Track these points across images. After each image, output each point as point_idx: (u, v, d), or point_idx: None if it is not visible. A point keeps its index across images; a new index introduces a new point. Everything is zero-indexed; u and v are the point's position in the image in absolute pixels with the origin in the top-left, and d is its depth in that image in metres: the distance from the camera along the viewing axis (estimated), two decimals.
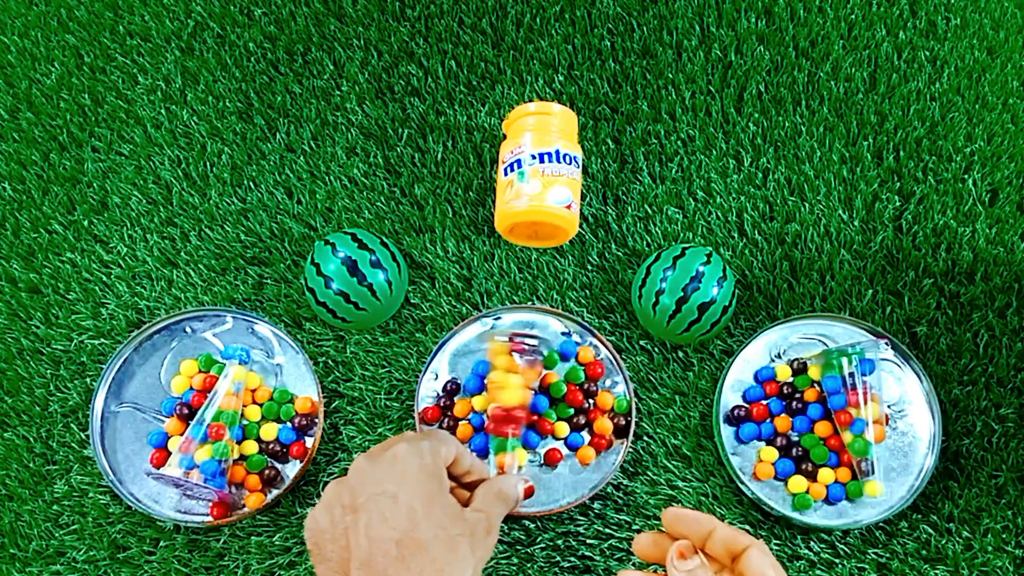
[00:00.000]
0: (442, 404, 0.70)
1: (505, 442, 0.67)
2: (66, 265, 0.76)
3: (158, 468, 0.68)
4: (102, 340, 0.73)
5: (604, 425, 0.69)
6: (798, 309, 0.74)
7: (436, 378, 0.72)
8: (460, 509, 0.52)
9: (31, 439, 0.71)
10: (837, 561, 0.68)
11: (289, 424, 0.70)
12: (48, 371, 0.73)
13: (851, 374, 0.68)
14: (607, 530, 0.69)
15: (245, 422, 0.69)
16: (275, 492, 0.68)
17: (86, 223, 0.77)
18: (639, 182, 0.78)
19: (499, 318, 0.73)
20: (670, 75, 0.81)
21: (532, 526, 0.69)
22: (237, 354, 0.68)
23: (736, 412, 0.70)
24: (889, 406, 0.71)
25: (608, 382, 0.72)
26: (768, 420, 0.70)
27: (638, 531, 0.68)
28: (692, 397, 0.72)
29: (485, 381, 0.70)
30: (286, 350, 0.72)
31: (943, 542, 0.68)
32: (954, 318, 0.74)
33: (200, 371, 0.71)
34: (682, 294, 0.68)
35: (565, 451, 0.70)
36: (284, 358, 0.72)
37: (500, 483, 0.56)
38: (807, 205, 0.77)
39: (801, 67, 0.81)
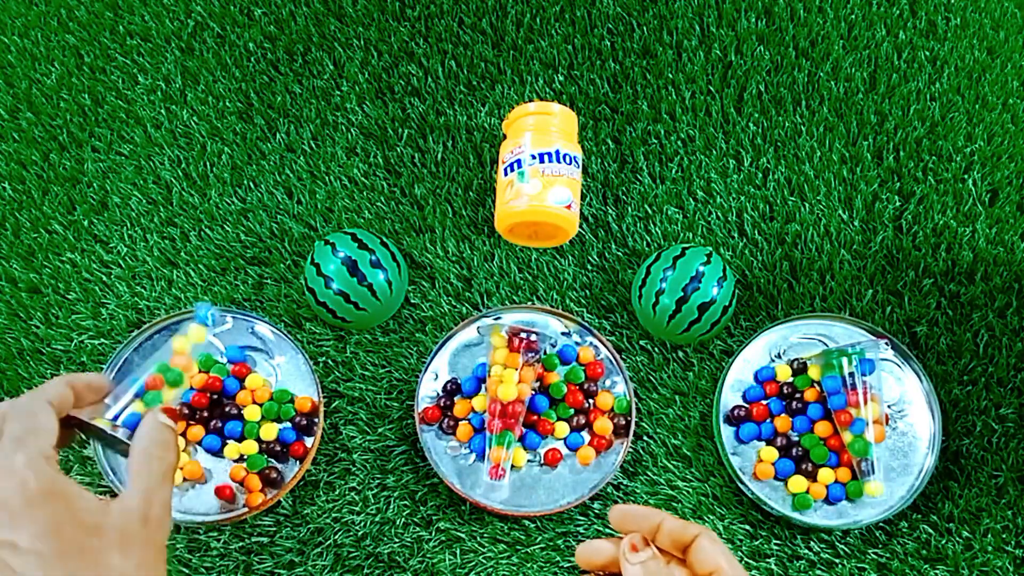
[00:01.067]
0: (442, 404, 0.70)
1: (503, 436, 0.67)
2: (66, 265, 0.76)
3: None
4: (102, 340, 0.73)
5: (604, 425, 0.69)
6: (798, 309, 0.74)
7: (436, 378, 0.72)
8: (99, 509, 0.43)
9: None
10: (837, 561, 0.68)
11: (289, 424, 0.70)
12: (48, 371, 0.73)
13: (851, 374, 0.68)
14: (607, 530, 0.69)
15: (244, 423, 0.69)
16: (275, 492, 0.68)
17: (86, 223, 0.77)
18: (639, 182, 0.78)
19: (499, 318, 0.73)
20: (670, 75, 0.81)
21: (532, 526, 0.69)
22: (205, 314, 0.62)
23: (736, 412, 0.70)
24: (889, 406, 0.71)
25: (608, 382, 0.72)
26: (768, 420, 0.70)
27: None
28: (692, 397, 0.72)
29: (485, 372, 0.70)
30: (286, 350, 0.72)
31: (943, 542, 0.68)
32: (954, 318, 0.74)
33: (200, 371, 0.71)
34: (682, 294, 0.68)
35: (565, 451, 0.70)
36: (284, 358, 0.72)
37: (140, 439, 0.47)
38: (807, 205, 0.77)
39: (801, 67, 0.81)
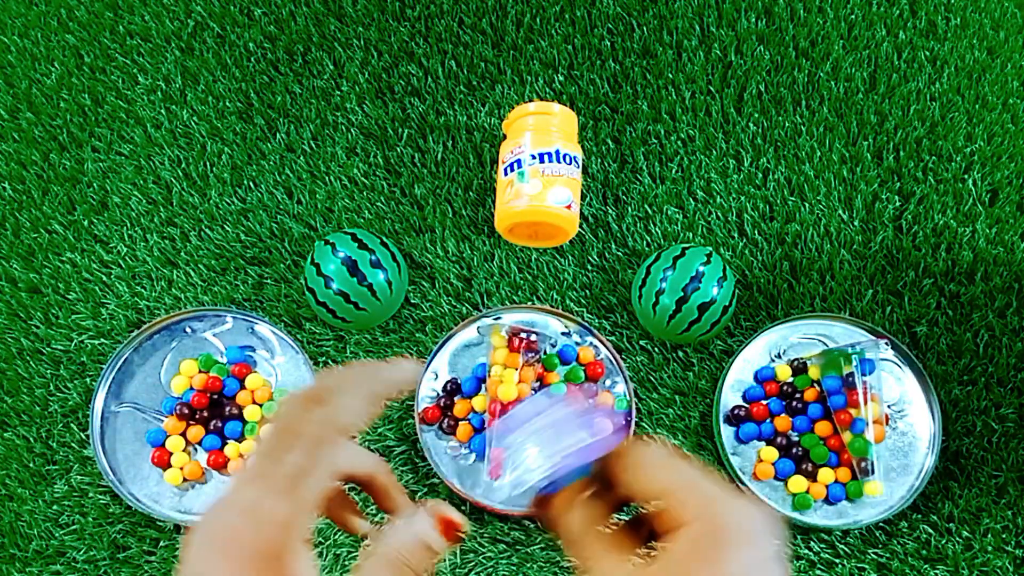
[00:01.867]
0: (442, 404, 0.70)
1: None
2: (66, 265, 0.76)
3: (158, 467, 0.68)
4: (102, 340, 0.73)
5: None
6: (798, 309, 0.74)
7: (436, 378, 0.72)
8: None
9: (31, 439, 0.71)
10: (837, 561, 0.68)
11: None
12: (48, 371, 0.73)
13: (851, 374, 0.68)
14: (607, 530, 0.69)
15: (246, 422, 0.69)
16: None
17: (86, 223, 0.77)
18: (639, 182, 0.78)
19: (499, 318, 0.73)
20: (670, 75, 0.81)
21: (532, 526, 0.69)
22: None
23: (736, 412, 0.70)
24: (889, 406, 0.71)
25: (608, 382, 0.72)
26: (768, 420, 0.70)
27: None
28: (692, 397, 0.72)
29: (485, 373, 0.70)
30: (286, 350, 0.72)
31: (943, 542, 0.68)
32: (954, 318, 0.74)
33: (200, 371, 0.71)
34: (682, 294, 0.68)
35: None
36: (284, 358, 0.72)
37: (394, 540, 0.35)
38: (807, 205, 0.77)
39: (801, 67, 0.81)
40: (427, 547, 0.35)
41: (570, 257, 0.76)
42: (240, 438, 0.69)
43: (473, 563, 0.68)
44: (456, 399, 0.70)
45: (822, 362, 0.70)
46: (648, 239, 0.76)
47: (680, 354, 0.73)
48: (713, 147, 0.79)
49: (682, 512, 0.32)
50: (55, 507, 0.69)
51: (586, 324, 0.73)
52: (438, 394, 0.71)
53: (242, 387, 0.70)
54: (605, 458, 0.35)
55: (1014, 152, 0.79)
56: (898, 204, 0.77)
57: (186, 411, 0.69)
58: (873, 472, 0.67)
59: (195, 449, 0.70)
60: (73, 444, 0.71)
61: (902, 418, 0.71)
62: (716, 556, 0.30)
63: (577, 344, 0.73)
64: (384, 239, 0.72)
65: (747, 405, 0.71)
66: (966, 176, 0.78)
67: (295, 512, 0.31)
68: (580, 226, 0.76)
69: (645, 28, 0.83)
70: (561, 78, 0.81)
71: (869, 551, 0.68)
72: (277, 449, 0.32)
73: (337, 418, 0.34)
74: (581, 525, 0.36)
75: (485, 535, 0.68)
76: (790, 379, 0.71)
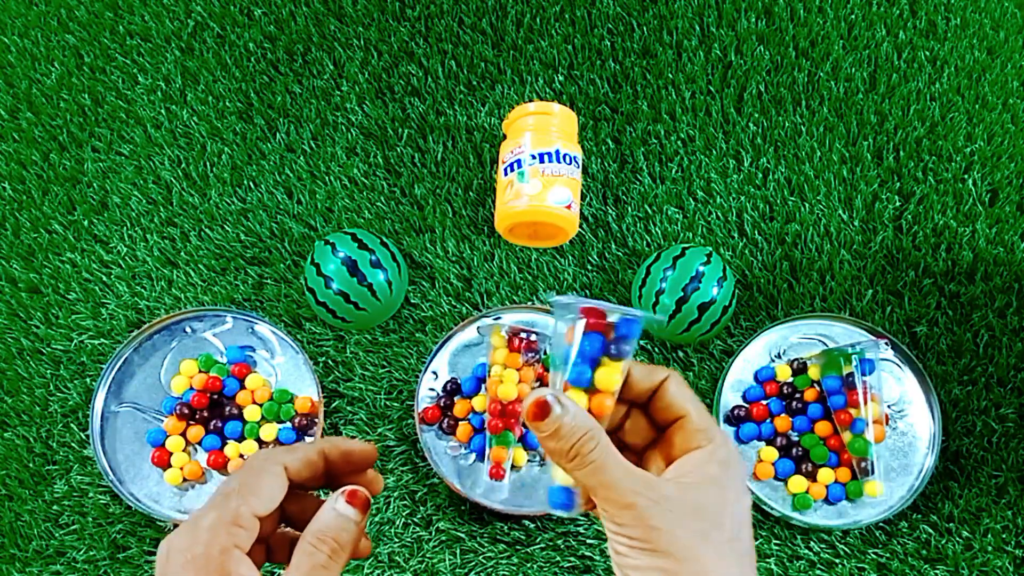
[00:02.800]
0: (442, 404, 0.70)
1: (503, 436, 0.67)
2: (66, 265, 0.76)
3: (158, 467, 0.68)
4: (102, 340, 0.73)
5: None
6: (798, 309, 0.74)
7: (436, 378, 0.72)
8: None
9: (31, 439, 0.71)
10: (837, 561, 0.68)
11: (289, 424, 0.70)
12: (48, 371, 0.73)
13: (851, 374, 0.68)
14: None
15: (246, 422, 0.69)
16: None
17: (86, 223, 0.77)
18: (639, 182, 0.78)
19: (499, 318, 0.73)
20: (670, 75, 0.81)
21: (532, 526, 0.69)
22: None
23: (736, 412, 0.70)
24: (889, 406, 0.71)
25: None
26: (768, 420, 0.70)
27: None
28: None
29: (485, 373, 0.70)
30: (286, 350, 0.72)
31: (943, 542, 0.68)
32: (954, 318, 0.74)
33: (200, 371, 0.71)
34: (682, 294, 0.68)
35: None
36: (284, 358, 0.72)
37: (315, 520, 0.40)
38: (807, 205, 0.77)
39: (801, 67, 0.81)
40: (347, 519, 0.40)
41: (570, 257, 0.76)
42: (240, 438, 0.69)
43: (473, 563, 0.68)
44: (456, 399, 0.70)
45: (822, 362, 0.70)
46: (648, 239, 0.76)
47: (680, 354, 0.73)
48: (713, 147, 0.79)
49: (707, 434, 0.40)
50: (55, 507, 0.69)
51: None
52: (438, 394, 0.71)
53: (242, 387, 0.70)
54: (643, 373, 0.42)
55: (1014, 152, 0.79)
56: (898, 204, 0.77)
57: (186, 411, 0.69)
58: (873, 472, 0.67)
59: (195, 449, 0.70)
60: (73, 444, 0.71)
61: (902, 418, 0.71)
62: (734, 472, 0.39)
63: None
64: (384, 239, 0.72)
65: (747, 405, 0.71)
66: (966, 176, 0.78)
67: (222, 520, 0.38)
68: (580, 226, 0.76)
69: (645, 28, 0.83)
70: (561, 78, 0.81)
71: (869, 551, 0.68)
72: (221, 484, 0.40)
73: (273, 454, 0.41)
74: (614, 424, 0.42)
75: (485, 535, 0.68)
76: (790, 379, 0.71)
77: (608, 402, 0.40)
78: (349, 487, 0.41)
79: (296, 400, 0.70)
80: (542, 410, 0.38)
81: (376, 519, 0.69)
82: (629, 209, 0.77)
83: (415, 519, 0.69)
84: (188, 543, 0.37)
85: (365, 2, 0.84)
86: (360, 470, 0.44)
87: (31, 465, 0.70)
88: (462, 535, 0.68)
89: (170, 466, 0.69)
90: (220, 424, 0.69)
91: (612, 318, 0.41)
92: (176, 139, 0.80)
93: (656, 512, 0.37)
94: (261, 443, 0.69)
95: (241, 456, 0.69)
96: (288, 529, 0.43)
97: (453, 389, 0.71)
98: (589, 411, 0.40)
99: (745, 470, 0.40)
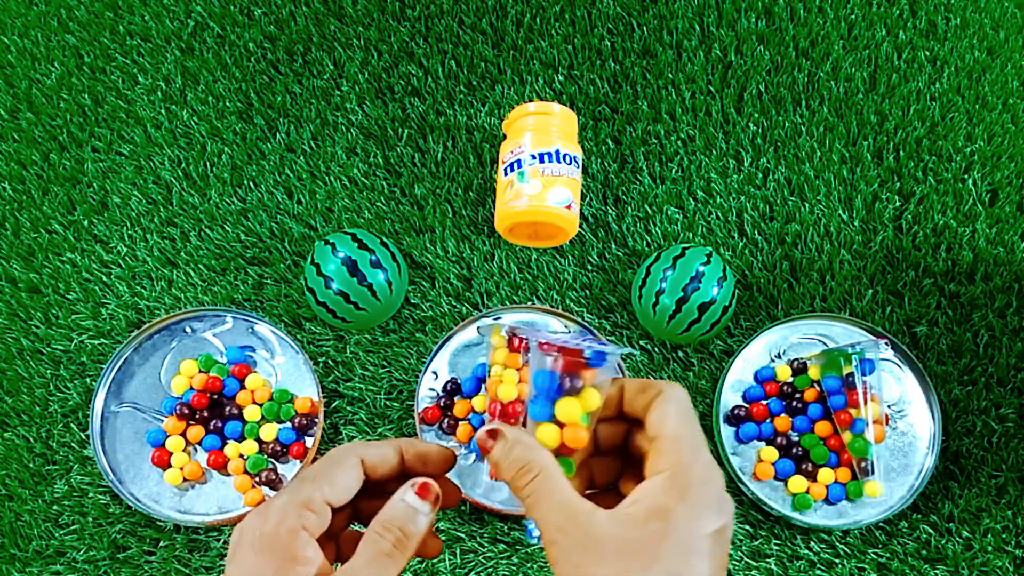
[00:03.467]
0: (442, 404, 0.70)
1: None
2: (66, 265, 0.76)
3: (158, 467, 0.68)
4: (102, 340, 0.73)
5: None
6: (798, 309, 0.74)
7: (436, 378, 0.72)
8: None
9: (31, 439, 0.71)
10: (837, 561, 0.68)
11: (289, 424, 0.70)
12: (48, 371, 0.73)
13: (851, 374, 0.68)
14: None
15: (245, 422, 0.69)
16: (274, 492, 0.68)
17: (86, 223, 0.77)
18: (639, 182, 0.78)
19: (499, 318, 0.73)
20: (670, 75, 0.81)
21: (532, 526, 0.69)
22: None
23: (736, 412, 0.70)
24: (889, 406, 0.71)
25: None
26: (768, 420, 0.70)
27: None
28: (692, 397, 0.72)
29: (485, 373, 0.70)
30: (286, 350, 0.72)
31: (943, 542, 0.68)
32: (954, 318, 0.74)
33: (200, 371, 0.71)
34: (682, 294, 0.68)
35: None
36: (284, 358, 0.72)
37: (385, 510, 0.40)
38: (807, 205, 0.77)
39: (801, 67, 0.81)
40: (415, 511, 0.40)
41: (570, 257, 0.76)
42: (240, 438, 0.69)
43: (473, 563, 0.68)
44: (456, 399, 0.70)
45: (822, 362, 0.70)
46: (648, 239, 0.76)
47: (680, 354, 0.73)
48: (713, 147, 0.79)
49: (673, 458, 0.37)
50: (55, 507, 0.69)
51: (586, 324, 0.73)
52: (438, 394, 0.71)
53: (242, 387, 0.70)
54: (636, 390, 0.40)
55: (1014, 152, 0.79)
56: (898, 204, 0.77)
57: (186, 411, 0.69)
58: (873, 472, 0.67)
59: (195, 449, 0.70)
60: (73, 444, 0.71)
61: (902, 418, 0.71)
62: (695, 500, 0.36)
63: None
64: (384, 239, 0.72)
65: (747, 405, 0.71)
66: (966, 176, 0.78)
67: (293, 502, 0.38)
68: (580, 226, 0.76)
69: (645, 28, 0.83)
70: (561, 78, 0.81)
71: (869, 551, 0.68)
72: (298, 471, 0.39)
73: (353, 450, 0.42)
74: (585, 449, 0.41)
75: (485, 535, 0.68)
76: (790, 379, 0.71)
77: (582, 433, 0.40)
78: (421, 479, 0.41)
79: (296, 400, 0.70)
80: (484, 444, 0.39)
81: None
82: (629, 209, 0.77)
83: None
84: (258, 523, 0.38)
85: (365, 2, 0.84)
86: (437, 473, 0.43)
87: (31, 465, 0.70)
88: (462, 535, 0.68)
89: (170, 466, 0.69)
90: (220, 424, 0.69)
91: (586, 352, 0.40)
92: (176, 139, 0.80)
93: (575, 552, 0.35)
94: (261, 443, 0.69)
95: (241, 456, 0.69)
96: (359, 528, 0.43)
97: (453, 389, 0.71)
98: (563, 444, 0.40)
99: (716, 495, 0.36)
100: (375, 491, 0.42)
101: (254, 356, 0.72)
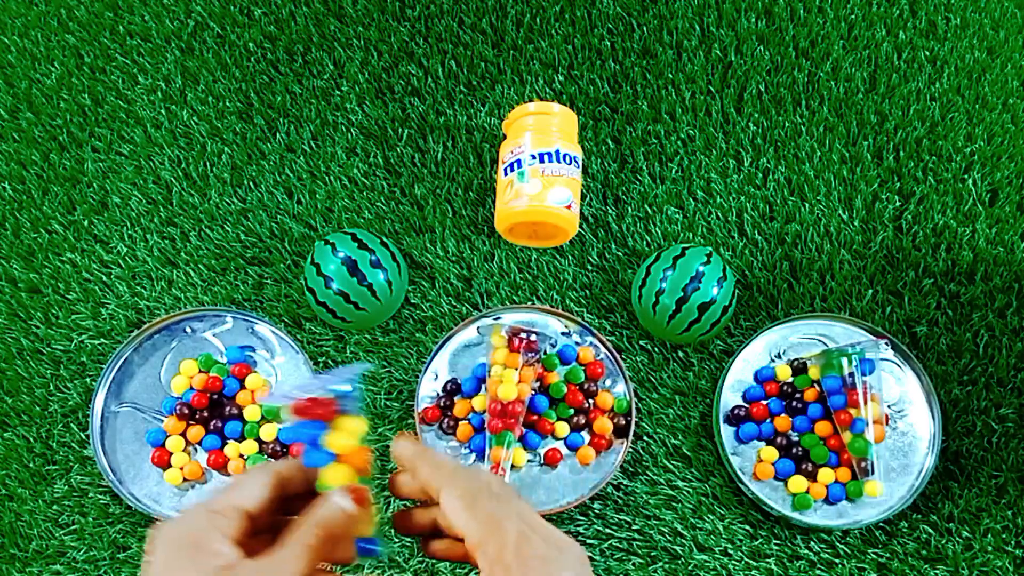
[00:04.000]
0: (442, 404, 0.70)
1: (503, 437, 0.67)
2: (66, 265, 0.76)
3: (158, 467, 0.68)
4: (102, 340, 0.73)
5: (604, 425, 0.69)
6: (798, 309, 0.74)
7: (436, 378, 0.72)
8: (231, 561, 0.40)
9: (31, 439, 0.71)
10: (837, 561, 0.68)
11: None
12: (48, 371, 0.73)
13: (851, 374, 0.68)
14: (607, 530, 0.69)
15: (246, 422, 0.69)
16: None
17: (86, 223, 0.77)
18: (639, 182, 0.78)
19: (499, 318, 0.73)
20: (670, 75, 0.81)
21: None
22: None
23: (736, 412, 0.70)
24: (889, 406, 0.71)
25: (608, 382, 0.72)
26: (768, 420, 0.70)
27: (638, 531, 0.68)
28: (692, 397, 0.72)
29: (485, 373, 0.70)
30: (286, 350, 0.72)
31: (943, 542, 0.68)
32: (954, 318, 0.74)
33: (200, 371, 0.71)
34: (682, 294, 0.68)
35: (565, 451, 0.70)
36: (284, 358, 0.72)
37: (315, 510, 0.43)
38: (807, 205, 0.77)
39: (801, 67, 0.81)
40: (339, 509, 0.43)
41: (570, 257, 0.76)
42: (240, 438, 0.69)
43: None
44: (456, 399, 0.70)
45: (822, 362, 0.70)
46: (648, 239, 0.76)
47: (680, 354, 0.73)
48: (713, 147, 0.79)
49: (478, 556, 0.39)
50: (55, 507, 0.69)
51: (586, 324, 0.73)
52: (438, 394, 0.71)
53: (242, 387, 0.70)
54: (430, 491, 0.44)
55: (1014, 152, 0.79)
56: (898, 204, 0.77)
57: (186, 411, 0.69)
58: (873, 472, 0.67)
59: (195, 449, 0.70)
60: (73, 444, 0.71)
61: (902, 418, 0.71)
62: None
63: (577, 344, 0.73)
64: (384, 239, 0.72)
65: (747, 405, 0.71)
66: (966, 176, 0.78)
67: (203, 508, 0.41)
68: (580, 226, 0.76)
69: (645, 28, 0.83)
70: (561, 78, 0.81)
71: (869, 551, 0.68)
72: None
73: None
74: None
75: None
76: (790, 379, 0.71)
77: (366, 454, 0.44)
78: (359, 486, 0.44)
79: None
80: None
81: (376, 519, 0.69)
82: (629, 209, 0.77)
83: None
84: (171, 526, 0.41)
85: (365, 2, 0.84)
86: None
87: (31, 465, 0.70)
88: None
89: (170, 466, 0.69)
90: (220, 424, 0.69)
91: (327, 392, 0.43)
92: (176, 139, 0.80)
93: None
94: (261, 443, 0.69)
95: (241, 456, 0.69)
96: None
97: (453, 389, 0.71)
98: (358, 469, 0.43)
99: (542, 568, 0.38)
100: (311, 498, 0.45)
101: (254, 356, 0.72)
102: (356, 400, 0.44)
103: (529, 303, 0.74)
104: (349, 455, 0.44)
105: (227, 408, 0.70)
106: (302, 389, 0.44)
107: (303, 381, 0.44)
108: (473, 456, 0.69)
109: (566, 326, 0.73)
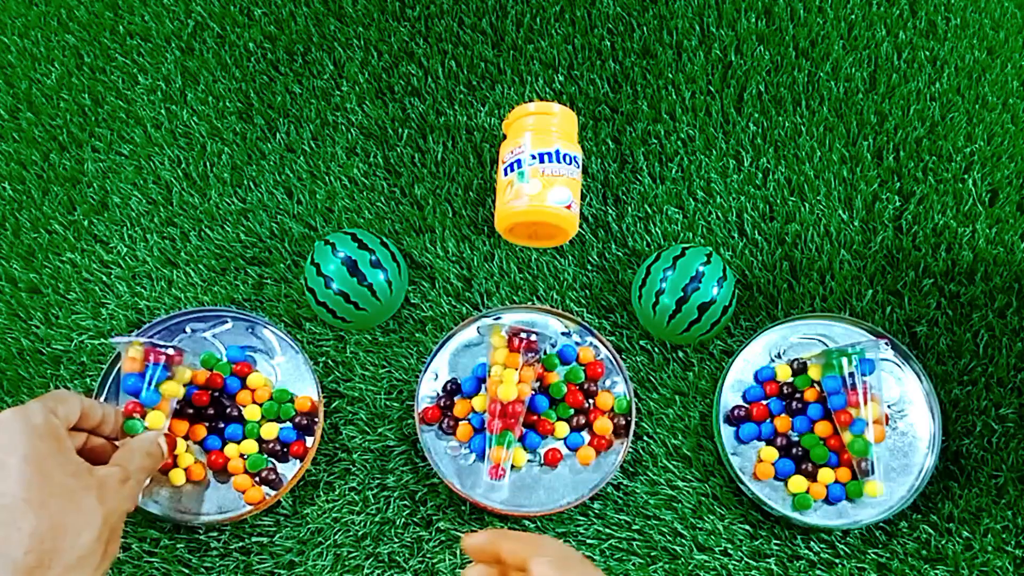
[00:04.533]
0: (442, 404, 0.70)
1: (503, 437, 0.67)
2: (66, 265, 0.76)
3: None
4: (102, 340, 0.73)
5: (604, 425, 0.69)
6: (798, 309, 0.74)
7: (436, 378, 0.72)
8: (85, 466, 0.53)
9: None
10: (837, 561, 0.68)
11: (289, 424, 0.70)
12: (48, 371, 0.73)
13: (851, 374, 0.68)
14: (607, 530, 0.69)
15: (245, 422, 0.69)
16: (275, 492, 0.68)
17: (86, 223, 0.77)
18: (639, 182, 0.78)
19: (499, 318, 0.73)
20: (670, 75, 0.81)
21: (532, 526, 0.69)
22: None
23: (736, 412, 0.70)
24: (889, 406, 0.71)
25: (608, 382, 0.72)
26: (768, 420, 0.70)
27: (638, 531, 0.68)
28: (692, 397, 0.72)
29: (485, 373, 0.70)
30: (286, 350, 0.72)
31: (943, 542, 0.68)
32: (954, 318, 0.74)
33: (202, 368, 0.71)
34: (682, 294, 0.68)
35: (565, 451, 0.70)
36: (284, 358, 0.72)
37: (137, 440, 0.60)
38: (807, 205, 0.77)
39: (801, 67, 0.81)
40: (160, 452, 0.62)
41: (570, 257, 0.76)
42: (240, 438, 0.69)
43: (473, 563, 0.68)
44: (456, 399, 0.70)
45: (822, 362, 0.70)
46: (648, 239, 0.76)
47: (680, 354, 0.73)
48: (713, 147, 0.79)
49: None
50: None
51: (586, 324, 0.73)
52: (438, 394, 0.71)
53: (243, 387, 0.70)
54: (511, 549, 0.46)
55: (1014, 152, 0.79)
56: (898, 204, 0.77)
57: (189, 411, 0.69)
58: (873, 472, 0.67)
59: (198, 449, 0.70)
60: None
61: (902, 418, 0.71)
62: None
63: (577, 344, 0.73)
64: (384, 239, 0.72)
65: (747, 405, 0.71)
66: (966, 176, 0.78)
67: (46, 408, 0.53)
68: (580, 226, 0.76)
69: (645, 28, 0.83)
70: (561, 78, 0.81)
71: (869, 551, 0.68)
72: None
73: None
74: None
75: None
76: (790, 379, 0.71)
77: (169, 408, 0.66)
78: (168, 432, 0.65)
79: (296, 400, 0.70)
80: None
81: (376, 519, 0.69)
82: (629, 209, 0.77)
83: (415, 519, 0.69)
84: (22, 416, 0.51)
85: (365, 2, 0.84)
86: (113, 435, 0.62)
87: None
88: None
89: (175, 466, 0.69)
90: (221, 424, 0.69)
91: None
92: (176, 139, 0.80)
93: None
94: (262, 443, 0.69)
95: (241, 456, 0.69)
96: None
97: (453, 389, 0.71)
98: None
99: None
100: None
101: (254, 356, 0.72)
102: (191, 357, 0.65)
103: (529, 303, 0.74)
104: (164, 403, 0.65)
105: (228, 409, 0.69)
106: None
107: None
108: (473, 456, 0.69)
109: (566, 326, 0.73)
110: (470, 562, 0.67)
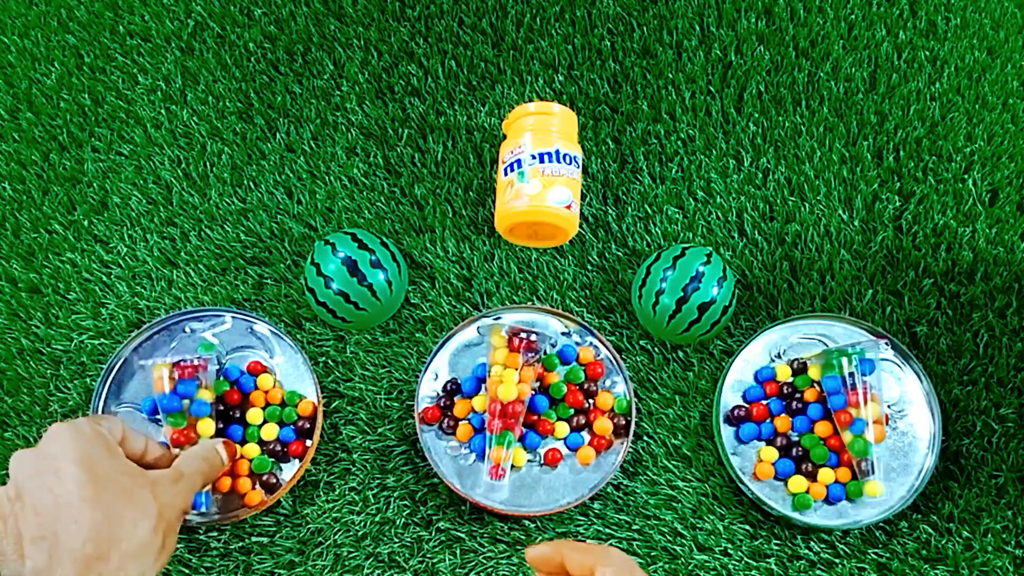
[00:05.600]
0: (442, 404, 0.70)
1: (503, 437, 0.67)
2: (66, 265, 0.76)
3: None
4: (102, 340, 0.73)
5: (604, 425, 0.69)
6: (798, 309, 0.74)
7: (436, 378, 0.72)
8: (136, 467, 0.56)
9: (31, 439, 0.71)
10: (837, 561, 0.68)
11: (291, 425, 0.70)
12: (48, 371, 0.73)
13: (851, 374, 0.68)
14: (607, 530, 0.69)
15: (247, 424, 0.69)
16: (275, 492, 0.68)
17: (86, 223, 0.77)
18: (639, 182, 0.78)
19: (499, 318, 0.73)
20: (670, 75, 0.81)
21: (532, 526, 0.69)
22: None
23: (736, 412, 0.70)
24: (889, 406, 0.71)
25: (608, 382, 0.72)
26: (768, 420, 0.70)
27: (638, 531, 0.68)
28: (692, 397, 0.72)
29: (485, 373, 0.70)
30: (286, 350, 0.72)
31: (943, 542, 0.68)
32: (954, 318, 0.74)
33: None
34: (682, 294, 0.68)
35: (565, 451, 0.70)
36: (284, 358, 0.72)
37: (194, 447, 0.63)
38: (807, 205, 0.77)
39: (801, 67, 0.81)
40: (219, 460, 0.64)
41: (570, 257, 0.76)
42: (242, 440, 0.69)
43: (473, 563, 0.68)
44: (456, 399, 0.70)
45: (822, 362, 0.70)
46: (648, 239, 0.76)
47: (680, 354, 0.73)
48: (713, 147, 0.79)
49: None
50: None
51: (586, 324, 0.73)
52: (438, 394, 0.71)
53: (256, 387, 0.70)
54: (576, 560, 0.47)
55: (1014, 152, 0.79)
56: (898, 204, 0.77)
57: (220, 407, 0.69)
58: (873, 472, 0.67)
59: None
60: None
61: (902, 418, 0.71)
62: None
63: (577, 344, 0.73)
64: (384, 239, 0.72)
65: (747, 405, 0.71)
66: (966, 176, 0.78)
67: (94, 423, 0.58)
68: (580, 226, 0.76)
69: (645, 28, 0.83)
70: (561, 78, 0.81)
71: (869, 551, 0.68)
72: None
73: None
74: None
75: (485, 535, 0.68)
76: (790, 379, 0.71)
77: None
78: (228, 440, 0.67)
79: (299, 404, 0.70)
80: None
81: (376, 519, 0.69)
82: (629, 209, 0.77)
83: (415, 519, 0.69)
84: (73, 428, 0.54)
85: (365, 2, 0.84)
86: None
87: None
88: (462, 535, 0.68)
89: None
90: (222, 425, 0.69)
91: None
92: (176, 139, 0.80)
93: None
94: (263, 443, 0.69)
95: (242, 457, 0.69)
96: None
97: (453, 389, 0.71)
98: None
99: None
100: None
101: (254, 356, 0.72)
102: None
103: (529, 303, 0.74)
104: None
105: (230, 412, 0.69)
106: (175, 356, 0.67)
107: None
108: (473, 456, 0.69)
109: (566, 326, 0.73)
110: (469, 561, 0.68)
